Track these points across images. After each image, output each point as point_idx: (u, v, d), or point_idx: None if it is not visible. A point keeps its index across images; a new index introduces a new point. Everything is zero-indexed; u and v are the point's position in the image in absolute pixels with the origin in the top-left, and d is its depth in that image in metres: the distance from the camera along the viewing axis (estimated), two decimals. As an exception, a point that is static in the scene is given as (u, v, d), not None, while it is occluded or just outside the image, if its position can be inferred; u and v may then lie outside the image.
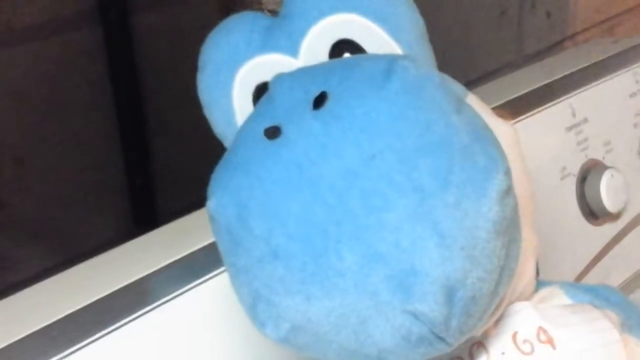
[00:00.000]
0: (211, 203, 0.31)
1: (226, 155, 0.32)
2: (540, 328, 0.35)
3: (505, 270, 0.31)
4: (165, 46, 0.56)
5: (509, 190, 0.30)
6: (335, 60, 0.34)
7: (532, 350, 0.34)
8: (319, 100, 0.30)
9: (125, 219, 0.58)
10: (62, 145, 0.53)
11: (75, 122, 0.53)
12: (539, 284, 0.38)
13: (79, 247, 0.55)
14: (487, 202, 0.29)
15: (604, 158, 0.57)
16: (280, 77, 0.33)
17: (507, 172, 0.31)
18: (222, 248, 0.32)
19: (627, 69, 0.60)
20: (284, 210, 0.29)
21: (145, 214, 0.58)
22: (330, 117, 0.30)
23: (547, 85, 0.56)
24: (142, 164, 0.57)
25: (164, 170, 0.59)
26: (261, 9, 0.53)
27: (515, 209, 0.32)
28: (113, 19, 0.53)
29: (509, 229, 0.31)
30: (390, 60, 0.31)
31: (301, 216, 0.29)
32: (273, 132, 0.30)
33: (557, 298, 0.38)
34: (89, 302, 0.37)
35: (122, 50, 0.54)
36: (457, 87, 0.36)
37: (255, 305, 0.31)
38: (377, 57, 0.32)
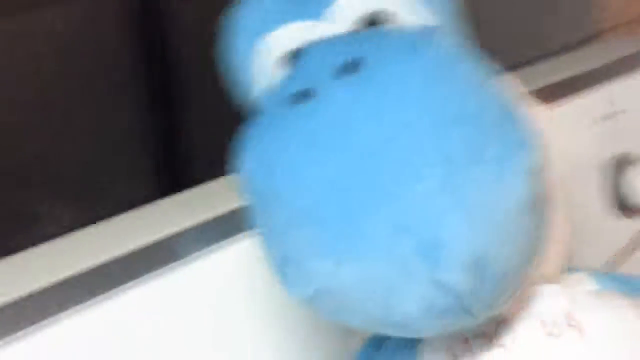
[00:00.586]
0: (240, 165, 0.32)
1: (256, 118, 0.33)
2: (568, 312, 0.35)
3: (533, 249, 0.31)
4: (196, 16, 0.56)
5: (538, 169, 0.30)
6: (370, 29, 0.34)
7: (560, 333, 0.34)
8: (353, 66, 0.30)
9: (154, 184, 0.59)
10: (93, 108, 0.54)
11: (106, 86, 0.54)
12: (569, 270, 0.38)
13: (107, 209, 0.55)
14: (520, 177, 0.29)
15: (637, 150, 0.56)
16: (313, 43, 0.33)
17: (538, 152, 0.30)
18: (251, 209, 0.32)
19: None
20: (313, 174, 0.30)
21: (173, 180, 0.59)
22: (364, 82, 0.30)
23: (586, 73, 0.56)
24: (170, 129, 0.58)
25: (192, 138, 0.59)
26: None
27: (545, 190, 0.31)
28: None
29: (537, 208, 0.31)
30: (425, 32, 0.31)
31: (329, 181, 0.29)
32: (305, 96, 0.31)
33: (585, 284, 0.38)
34: (117, 255, 0.37)
35: (151, 18, 0.54)
36: (492, 66, 0.36)
37: (285, 266, 0.31)
38: (412, 28, 0.33)
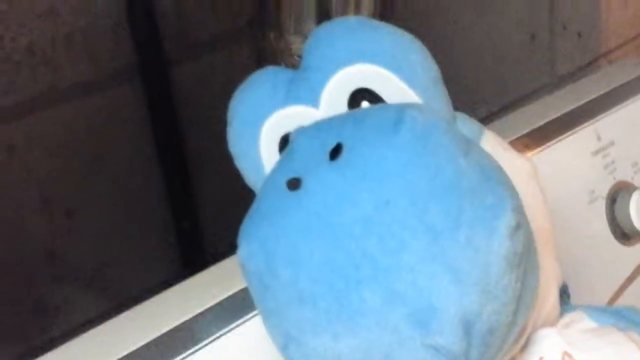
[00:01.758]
0: (241, 252, 0.34)
1: (253, 205, 0.35)
2: (565, 353, 0.36)
3: (522, 300, 0.33)
4: (203, 94, 0.59)
5: (519, 226, 0.32)
6: (350, 112, 0.36)
7: (558, 377, 0.35)
8: (335, 151, 0.33)
9: (174, 263, 0.60)
10: (109, 195, 0.55)
11: (121, 173, 0.56)
12: (564, 309, 0.39)
13: (130, 293, 0.57)
14: (497, 238, 0.31)
15: (632, 179, 0.58)
16: (299, 131, 0.35)
17: (516, 209, 0.32)
18: (253, 293, 0.35)
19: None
20: (307, 257, 0.32)
21: (193, 257, 0.61)
22: (346, 167, 0.32)
23: (571, 111, 0.57)
24: (187, 208, 0.59)
25: (210, 214, 0.61)
26: (291, 55, 0.56)
27: (528, 242, 0.33)
28: (152, 73, 0.56)
29: (522, 262, 0.32)
30: (399, 111, 0.33)
31: (323, 262, 0.32)
32: (294, 184, 0.33)
33: (581, 322, 0.39)
34: (139, 345, 0.39)
35: (162, 101, 0.56)
36: (472, 126, 0.38)
37: (287, 346, 0.33)
38: (387, 108, 0.35)
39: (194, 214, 0.60)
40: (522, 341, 0.36)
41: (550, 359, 0.36)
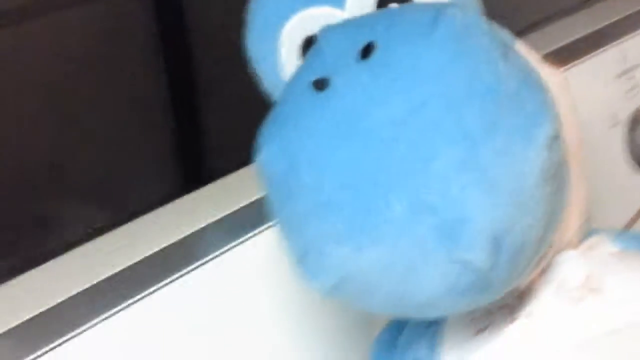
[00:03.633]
0: (261, 155, 0.32)
1: (275, 107, 0.33)
2: (588, 275, 0.35)
3: (553, 217, 0.31)
4: (214, 6, 0.57)
5: (556, 137, 0.30)
6: (382, 10, 0.34)
7: (581, 297, 0.34)
8: (367, 51, 0.31)
9: (176, 179, 0.59)
10: (113, 105, 0.54)
11: (127, 83, 0.54)
12: (587, 232, 0.38)
13: (129, 208, 0.56)
14: (535, 148, 0.29)
15: (655, 105, 0.56)
16: (327, 29, 0.33)
17: (555, 119, 0.31)
18: (272, 200, 0.33)
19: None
20: (333, 160, 0.30)
21: (195, 173, 0.59)
22: (378, 66, 0.30)
23: (597, 31, 0.55)
24: (192, 124, 0.58)
25: (214, 131, 0.59)
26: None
27: (563, 155, 0.32)
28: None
29: (557, 175, 0.31)
30: (437, 9, 0.31)
31: (351, 166, 0.30)
32: (321, 84, 0.31)
33: (604, 246, 0.38)
34: (139, 258, 0.38)
35: (171, 10, 0.54)
36: (504, 34, 0.36)
37: (306, 257, 0.31)
38: (423, 6, 0.32)
39: (199, 132, 0.59)
40: (544, 262, 0.34)
41: (574, 281, 0.35)
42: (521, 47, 0.35)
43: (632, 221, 0.56)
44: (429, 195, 0.29)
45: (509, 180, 0.29)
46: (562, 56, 0.53)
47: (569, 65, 0.52)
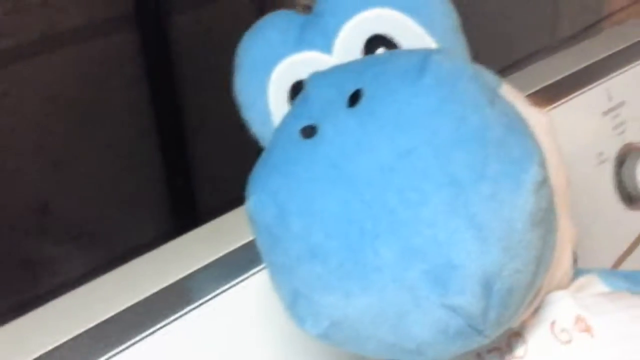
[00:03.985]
0: (250, 203, 0.32)
1: (264, 155, 0.33)
2: (578, 317, 0.35)
3: (542, 261, 0.31)
4: (200, 46, 0.57)
5: (544, 181, 0.30)
6: (369, 57, 0.34)
7: (570, 339, 0.34)
8: (354, 98, 0.31)
9: (166, 219, 0.59)
10: (102, 147, 0.54)
11: (114, 125, 0.54)
12: (577, 272, 0.38)
13: (120, 249, 0.56)
14: (522, 193, 0.29)
15: (642, 141, 0.56)
16: (315, 76, 0.33)
17: (542, 163, 0.31)
18: (261, 247, 0.33)
19: (663, 50, 0.59)
20: (321, 208, 0.30)
21: (186, 213, 0.59)
22: (365, 114, 0.30)
23: (581, 70, 0.56)
24: (181, 164, 0.58)
25: (203, 170, 0.59)
26: (294, 5, 0.54)
27: (551, 199, 0.32)
28: (149, 22, 0.54)
29: (545, 219, 0.31)
30: (424, 56, 0.31)
31: (339, 213, 0.30)
32: (309, 131, 0.31)
33: (594, 286, 0.38)
34: (131, 303, 0.37)
35: (158, 52, 0.55)
36: (491, 77, 0.36)
37: (295, 303, 0.31)
38: (410, 53, 0.33)
39: (188, 170, 0.59)
40: (536, 303, 0.34)
41: (563, 322, 0.35)
42: (507, 89, 0.36)
43: (622, 257, 0.56)
44: (418, 241, 0.29)
45: (498, 226, 0.29)
46: (549, 95, 0.53)
47: (555, 104, 0.52)
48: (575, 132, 0.53)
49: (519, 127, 0.31)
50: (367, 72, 0.32)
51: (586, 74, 0.55)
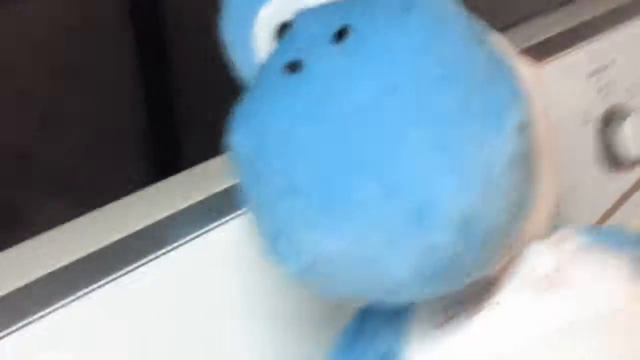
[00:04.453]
0: (232, 137, 0.32)
1: (248, 90, 0.33)
2: (556, 267, 0.35)
3: (521, 206, 0.32)
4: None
5: (526, 125, 0.31)
6: None
7: (548, 289, 0.34)
8: (341, 34, 0.31)
9: (150, 168, 0.59)
10: (85, 95, 0.54)
11: (98, 72, 0.54)
12: (557, 226, 0.38)
13: (103, 197, 0.55)
14: (504, 134, 0.30)
15: (627, 102, 0.56)
16: (302, 13, 0.33)
17: (526, 106, 0.31)
18: (243, 182, 0.33)
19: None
20: (302, 143, 0.30)
21: (170, 164, 0.59)
22: (351, 50, 0.30)
23: (568, 30, 0.56)
24: (166, 112, 0.58)
25: (188, 118, 0.59)
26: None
27: (533, 145, 0.32)
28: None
29: (526, 163, 0.31)
30: None
31: (320, 149, 0.30)
32: (294, 66, 0.31)
33: (574, 239, 0.38)
34: (104, 244, 0.37)
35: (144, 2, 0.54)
36: (479, 24, 0.36)
37: (277, 240, 0.31)
38: None
39: (172, 122, 0.59)
40: (514, 251, 0.35)
41: (541, 272, 0.35)
42: (496, 38, 0.36)
43: (605, 217, 0.56)
44: (397, 178, 0.29)
45: (478, 165, 0.29)
46: (535, 54, 0.53)
47: (541, 63, 0.52)
48: (561, 91, 0.53)
49: (504, 70, 0.31)
50: (355, 9, 0.31)
51: (571, 35, 0.55)
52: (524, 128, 0.30)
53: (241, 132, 0.32)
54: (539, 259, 0.35)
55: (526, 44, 0.54)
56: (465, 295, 0.35)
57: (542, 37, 0.55)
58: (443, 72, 0.29)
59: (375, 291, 0.31)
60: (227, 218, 0.40)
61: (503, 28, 0.66)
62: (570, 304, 0.34)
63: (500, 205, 0.30)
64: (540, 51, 0.54)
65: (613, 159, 0.56)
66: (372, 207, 0.29)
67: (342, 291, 0.32)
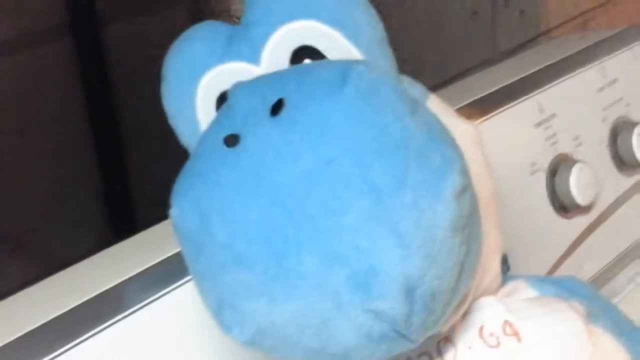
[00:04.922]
0: (173, 211, 0.32)
1: (187, 164, 0.33)
2: (506, 321, 0.36)
3: (465, 266, 0.32)
4: (136, 56, 0.57)
5: (465, 189, 0.31)
6: (293, 67, 0.35)
7: (498, 343, 0.35)
8: (276, 107, 0.31)
9: (104, 230, 0.58)
10: (38, 158, 0.53)
11: (50, 135, 0.54)
12: (506, 278, 0.39)
13: (58, 260, 0.55)
14: (443, 200, 0.30)
15: (573, 152, 0.58)
16: (238, 86, 0.34)
17: (463, 171, 0.31)
18: (186, 255, 0.33)
19: (594, 64, 0.61)
20: (243, 216, 0.30)
21: (124, 223, 0.59)
22: (287, 123, 0.31)
23: (515, 82, 0.57)
24: (119, 173, 0.58)
25: (141, 179, 0.59)
26: (230, 17, 0.54)
27: (473, 206, 0.32)
28: (83, 32, 0.53)
29: (467, 226, 0.32)
30: (346, 66, 0.32)
31: (261, 221, 0.30)
32: (232, 141, 0.31)
33: (522, 291, 0.39)
34: (62, 311, 0.37)
35: (93, 61, 0.54)
36: (417, 88, 0.37)
37: (221, 310, 0.31)
38: (333, 63, 0.33)
39: (125, 180, 0.58)
40: (463, 309, 0.35)
41: (491, 327, 0.36)
42: (434, 100, 0.36)
43: (556, 265, 0.57)
44: (340, 249, 0.29)
45: (419, 233, 0.30)
46: (482, 106, 0.54)
47: (488, 116, 0.53)
48: (508, 143, 0.54)
49: (440, 136, 0.32)
50: (290, 81, 0.32)
51: (519, 87, 0.57)
52: (463, 193, 0.31)
53: (181, 207, 0.32)
54: (488, 315, 0.36)
55: (473, 97, 0.55)
56: (417, 354, 0.35)
57: (488, 91, 0.56)
58: (378, 144, 0.30)
59: (324, 356, 0.31)
60: (183, 280, 0.40)
61: (456, 79, 0.68)
62: (522, 356, 0.35)
63: (443, 269, 0.30)
64: (488, 103, 0.55)
65: (562, 207, 0.57)
66: (315, 277, 0.29)
67: (291, 357, 0.32)
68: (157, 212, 0.49)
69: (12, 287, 0.48)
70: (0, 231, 0.52)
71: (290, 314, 0.30)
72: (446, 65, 0.78)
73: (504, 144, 0.54)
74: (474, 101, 0.54)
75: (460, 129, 0.36)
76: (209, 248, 0.31)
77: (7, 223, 0.53)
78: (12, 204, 0.53)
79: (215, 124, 0.33)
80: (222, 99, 0.35)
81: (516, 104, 0.55)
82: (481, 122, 0.53)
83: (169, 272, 0.40)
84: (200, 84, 0.36)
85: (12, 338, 0.36)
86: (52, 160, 0.54)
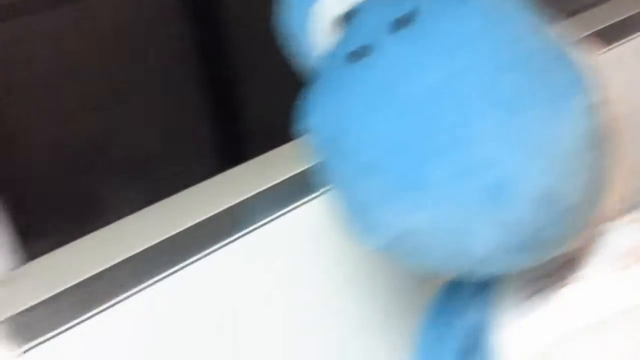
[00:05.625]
0: (310, 122, 0.33)
1: (318, 77, 0.34)
2: (635, 246, 0.35)
3: (598, 182, 0.32)
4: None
5: (595, 106, 0.31)
6: None
7: (627, 267, 0.34)
8: (405, 20, 0.31)
9: (213, 162, 0.59)
10: (151, 89, 0.54)
11: (162, 67, 0.55)
12: (636, 205, 0.38)
13: (170, 189, 0.56)
14: (574, 116, 0.30)
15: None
16: (364, 2, 0.34)
17: (592, 89, 0.31)
18: (324, 163, 0.34)
19: None
20: (378, 125, 0.31)
21: (233, 156, 0.60)
22: (417, 36, 0.31)
23: (631, 16, 0.55)
24: (229, 108, 0.58)
25: (250, 113, 0.60)
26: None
27: (605, 126, 0.32)
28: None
29: (600, 143, 0.31)
30: None
31: (395, 131, 0.30)
32: (361, 54, 0.32)
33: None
34: (185, 227, 0.38)
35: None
36: (544, 11, 0.36)
37: (358, 216, 0.32)
38: None
39: (235, 114, 0.59)
40: (592, 228, 0.35)
41: (619, 250, 0.35)
42: (563, 26, 0.36)
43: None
44: (470, 160, 0.29)
45: (549, 145, 0.29)
46: (605, 37, 0.53)
47: (612, 46, 0.52)
48: (633, 75, 0.53)
49: (569, 54, 0.32)
50: None
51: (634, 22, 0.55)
52: (593, 110, 0.30)
53: (317, 118, 0.33)
54: (617, 238, 0.36)
55: (596, 27, 0.53)
56: (550, 269, 0.35)
57: (612, 20, 0.54)
58: (507, 58, 0.30)
59: (460, 265, 0.32)
60: (309, 198, 0.40)
61: (573, 12, 0.65)
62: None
63: (576, 183, 0.30)
64: (611, 35, 0.53)
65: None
66: (447, 187, 0.30)
67: (427, 264, 0.32)
68: (264, 144, 0.49)
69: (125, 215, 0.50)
70: (116, 161, 0.54)
71: (426, 222, 0.30)
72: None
73: (629, 76, 0.52)
74: (599, 31, 0.52)
75: (590, 54, 0.35)
76: (345, 156, 0.32)
77: (123, 154, 0.54)
78: (127, 136, 0.54)
79: (343, 40, 0.34)
80: (345, 17, 0.36)
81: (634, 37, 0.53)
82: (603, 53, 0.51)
83: (287, 193, 0.41)
84: (320, 5, 0.36)
85: (137, 251, 0.37)
86: (165, 95, 0.55)
